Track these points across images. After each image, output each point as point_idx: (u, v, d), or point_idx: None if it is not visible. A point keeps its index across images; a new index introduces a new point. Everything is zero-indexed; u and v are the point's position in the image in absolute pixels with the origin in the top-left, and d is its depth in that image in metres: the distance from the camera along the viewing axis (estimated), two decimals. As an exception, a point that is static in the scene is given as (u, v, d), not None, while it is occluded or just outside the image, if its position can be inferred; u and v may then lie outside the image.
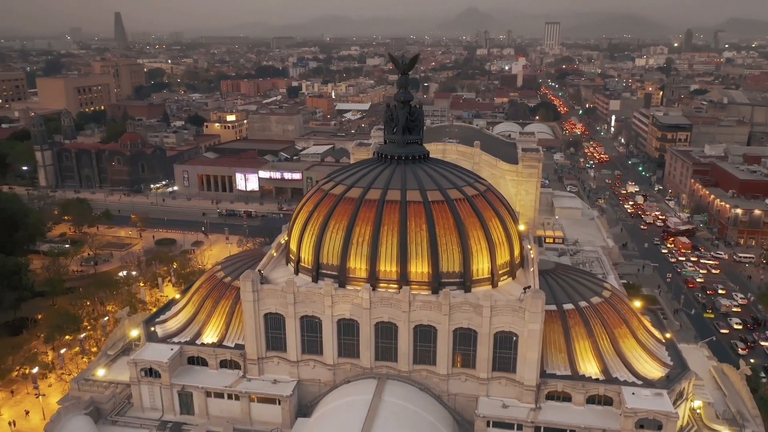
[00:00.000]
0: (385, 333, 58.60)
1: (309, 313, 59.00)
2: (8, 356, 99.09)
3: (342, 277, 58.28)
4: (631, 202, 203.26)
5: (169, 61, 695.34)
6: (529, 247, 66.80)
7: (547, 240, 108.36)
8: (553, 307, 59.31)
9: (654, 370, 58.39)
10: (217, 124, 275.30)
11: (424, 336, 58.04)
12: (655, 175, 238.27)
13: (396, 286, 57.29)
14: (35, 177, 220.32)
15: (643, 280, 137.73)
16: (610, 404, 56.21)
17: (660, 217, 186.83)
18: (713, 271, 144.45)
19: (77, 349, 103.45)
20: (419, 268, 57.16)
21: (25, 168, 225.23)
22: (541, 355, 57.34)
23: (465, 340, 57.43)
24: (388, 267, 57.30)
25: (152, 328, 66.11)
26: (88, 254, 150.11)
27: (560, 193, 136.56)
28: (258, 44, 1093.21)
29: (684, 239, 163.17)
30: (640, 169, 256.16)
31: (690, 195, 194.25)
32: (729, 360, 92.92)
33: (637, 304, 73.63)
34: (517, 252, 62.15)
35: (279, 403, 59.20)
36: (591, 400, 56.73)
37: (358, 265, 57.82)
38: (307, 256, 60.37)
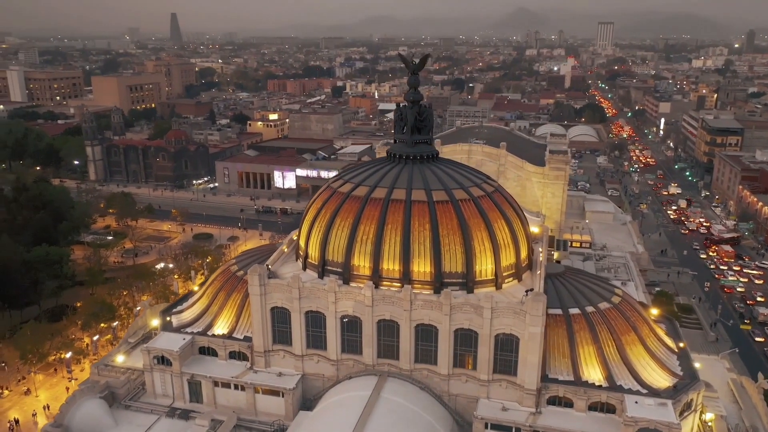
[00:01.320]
0: (387, 331, 59.11)
1: (313, 308, 60.07)
2: (47, 341, 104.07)
3: (346, 274, 59.08)
4: (674, 207, 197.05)
5: (220, 61, 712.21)
6: (540, 250, 66.04)
7: (574, 244, 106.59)
8: (559, 311, 58.54)
9: (661, 380, 56.89)
10: (259, 123, 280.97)
11: (426, 335, 58.27)
12: (703, 181, 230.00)
13: (399, 284, 57.71)
14: (86, 171, 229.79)
15: (680, 288, 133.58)
16: (613, 412, 55.10)
17: (704, 223, 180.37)
18: (756, 281, 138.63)
19: (109, 336, 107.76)
20: (422, 267, 57.41)
21: (76, 162, 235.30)
22: (543, 359, 56.81)
23: (466, 340, 57.36)
24: (391, 265, 57.77)
25: (168, 318, 68.57)
26: (129, 246, 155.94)
27: (592, 197, 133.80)
28: (307, 44, 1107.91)
29: (727, 247, 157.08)
30: (687, 174, 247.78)
31: (737, 202, 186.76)
32: (764, 370, 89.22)
33: (654, 311, 71.49)
34: (524, 254, 61.57)
35: (282, 396, 60.48)
36: (593, 407, 55.74)
37: (362, 263, 58.50)
38: (314, 252, 61.46)
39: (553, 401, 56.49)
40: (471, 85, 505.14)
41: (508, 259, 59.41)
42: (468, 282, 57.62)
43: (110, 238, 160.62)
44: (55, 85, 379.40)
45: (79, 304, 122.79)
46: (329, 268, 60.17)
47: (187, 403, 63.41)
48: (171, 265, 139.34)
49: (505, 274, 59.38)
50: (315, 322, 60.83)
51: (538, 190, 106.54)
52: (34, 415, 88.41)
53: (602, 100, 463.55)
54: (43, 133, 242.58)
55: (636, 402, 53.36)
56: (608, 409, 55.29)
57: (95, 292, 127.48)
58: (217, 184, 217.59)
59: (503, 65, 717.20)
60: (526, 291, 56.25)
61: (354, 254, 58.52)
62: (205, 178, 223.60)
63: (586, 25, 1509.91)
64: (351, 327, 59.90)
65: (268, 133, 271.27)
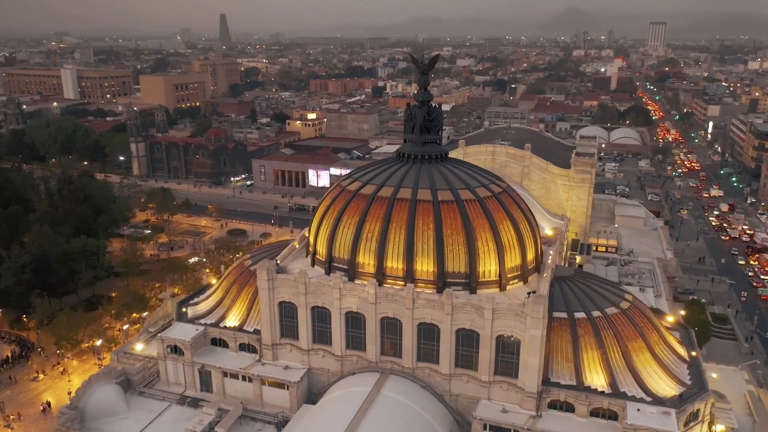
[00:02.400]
0: (391, 328, 59.66)
1: (319, 303, 61.14)
2: (81, 329, 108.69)
3: (351, 271, 59.90)
4: (715, 212, 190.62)
5: (264, 61, 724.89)
6: (551, 252, 65.40)
7: (599, 248, 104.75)
8: (564, 315, 57.93)
9: (667, 388, 55.62)
10: (298, 122, 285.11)
11: (428, 334, 58.55)
12: (749, 187, 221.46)
13: (402, 282, 58.18)
14: (130, 167, 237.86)
15: (716, 297, 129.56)
16: (615, 419, 54.19)
17: (747, 231, 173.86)
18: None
19: (138, 326, 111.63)
20: (425, 266, 57.71)
21: (121, 158, 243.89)
22: (546, 363, 56.37)
23: (467, 341, 57.39)
24: (394, 264, 58.29)
25: (184, 309, 70.83)
26: (164, 240, 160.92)
27: (623, 201, 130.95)
28: (352, 44, 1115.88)
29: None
30: (733, 179, 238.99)
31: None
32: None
33: (670, 318, 69.71)
34: (531, 256, 61.09)
35: (287, 389, 61.73)
36: (595, 413, 54.94)
37: (366, 261, 59.20)
38: (322, 249, 62.50)
39: (555, 405, 55.93)
40: (513, 86, 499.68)
41: (513, 260, 59.09)
42: (471, 282, 57.61)
43: (148, 231, 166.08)
44: (106, 84, 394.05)
45: (114, 295, 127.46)
46: (336, 264, 61.11)
47: (197, 392, 65.44)
48: (204, 260, 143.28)
49: (509, 275, 59.08)
50: (321, 317, 61.91)
51: (563, 192, 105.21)
52: (69, 393, 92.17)
53: (649, 102, 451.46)
54: (91, 130, 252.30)
55: (638, 409, 52.37)
56: (610, 415, 54.41)
57: (130, 283, 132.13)
58: (253, 182, 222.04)
59: (548, 66, 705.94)
60: (528, 293, 55.87)
61: (359, 252, 59.27)
62: (243, 176, 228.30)
63: (637, 26, 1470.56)
64: (355, 323, 60.71)
65: (305, 132, 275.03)
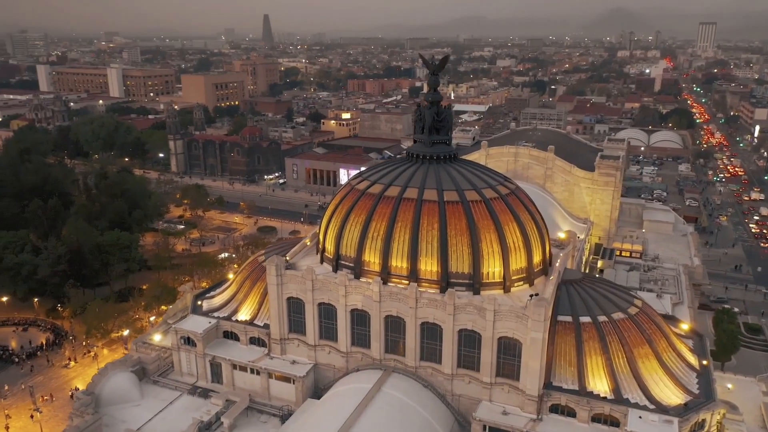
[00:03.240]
0: (395, 327, 60.15)
1: (325, 300, 62.09)
2: (111, 319, 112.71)
3: (357, 269, 60.61)
4: (756, 217, 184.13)
5: (304, 61, 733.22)
6: (561, 255, 64.76)
7: (624, 253, 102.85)
8: (569, 319, 57.37)
9: (673, 396, 54.49)
10: (332, 122, 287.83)
11: (431, 333, 58.82)
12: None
13: (406, 281, 58.57)
14: (168, 163, 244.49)
15: (750, 307, 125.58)
16: (616, 425, 53.42)
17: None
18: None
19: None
20: (429, 266, 57.98)
21: (161, 155, 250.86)
22: (548, 366, 55.98)
23: (470, 341, 57.42)
24: (399, 263, 58.73)
25: (199, 302, 72.86)
26: (196, 235, 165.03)
27: (652, 206, 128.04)
28: (392, 45, 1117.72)
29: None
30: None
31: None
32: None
33: (684, 326, 68.09)
34: (537, 259, 60.64)
35: (293, 383, 62.90)
36: (597, 418, 54.27)
37: (372, 259, 59.82)
38: (330, 246, 63.43)
39: (556, 409, 55.46)
40: (553, 87, 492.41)
41: (518, 262, 58.79)
42: (474, 283, 57.60)
43: (181, 227, 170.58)
44: (149, 83, 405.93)
45: (144, 287, 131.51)
46: (342, 262, 61.93)
47: (208, 383, 67.28)
48: (233, 255, 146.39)
49: (514, 277, 58.81)
50: (327, 314, 62.84)
51: (586, 195, 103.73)
52: None
53: (694, 105, 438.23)
54: (133, 127, 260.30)
55: (639, 417, 51.53)
56: (612, 422, 53.67)
57: (161, 276, 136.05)
58: (286, 180, 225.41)
59: (591, 67, 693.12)
60: (531, 295, 55.56)
61: (365, 250, 59.94)
62: (276, 174, 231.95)
63: (687, 26, 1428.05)
64: (360, 321, 61.43)
65: (339, 131, 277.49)
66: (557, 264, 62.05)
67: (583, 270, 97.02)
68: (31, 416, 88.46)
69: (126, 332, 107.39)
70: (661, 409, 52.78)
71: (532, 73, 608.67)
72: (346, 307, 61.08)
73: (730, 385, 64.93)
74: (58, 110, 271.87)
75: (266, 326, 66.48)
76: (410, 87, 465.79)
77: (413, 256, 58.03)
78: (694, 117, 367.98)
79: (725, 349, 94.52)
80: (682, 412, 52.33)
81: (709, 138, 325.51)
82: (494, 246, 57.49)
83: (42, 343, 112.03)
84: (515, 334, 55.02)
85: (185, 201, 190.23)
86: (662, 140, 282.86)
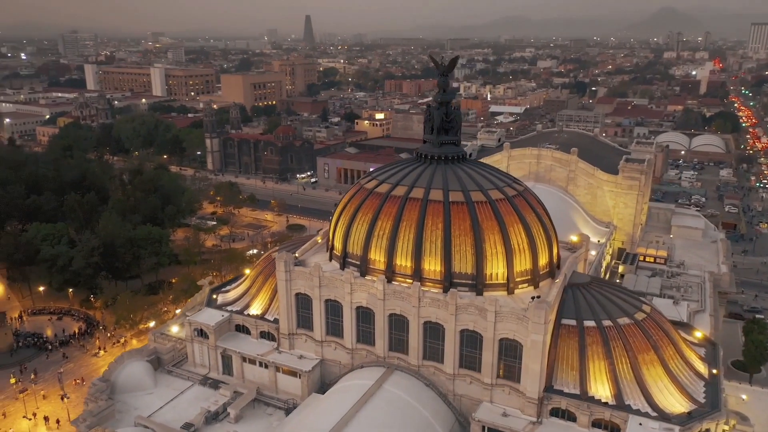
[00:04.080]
0: (398, 325, 60.71)
1: (332, 297, 63.09)
2: (140, 311, 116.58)
3: (363, 267, 61.39)
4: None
5: (342, 61, 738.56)
6: (570, 258, 64.18)
7: (647, 259, 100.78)
8: (573, 322, 56.87)
9: (677, 404, 53.46)
10: (366, 122, 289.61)
11: (433, 333, 59.16)
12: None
13: (410, 280, 59.04)
14: (204, 161, 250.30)
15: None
16: (617, 431, 52.74)
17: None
18: None
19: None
20: (432, 266, 58.31)
21: (198, 153, 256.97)
22: (550, 369, 55.69)
23: (471, 342, 57.53)
24: (403, 262, 59.25)
25: (214, 296, 74.88)
26: (226, 232, 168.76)
27: (682, 211, 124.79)
28: (433, 45, 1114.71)
29: None
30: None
31: None
32: None
33: (698, 334, 66.48)
34: (543, 261, 60.25)
35: (299, 377, 64.11)
36: (597, 423, 53.68)
37: (377, 257, 60.49)
38: (338, 244, 64.38)
39: (556, 413, 55.08)
40: (594, 88, 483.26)
41: (522, 264, 58.56)
42: (477, 284, 57.65)
43: (212, 223, 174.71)
44: (191, 82, 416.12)
45: (174, 281, 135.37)
46: (349, 260, 62.79)
47: (220, 375, 69.12)
48: (262, 252, 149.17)
49: (518, 279, 58.59)
50: (334, 310, 63.83)
51: (609, 199, 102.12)
52: None
53: (742, 108, 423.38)
54: (172, 125, 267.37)
55: (640, 424, 50.83)
56: (612, 427, 53.01)
57: (190, 270, 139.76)
58: (317, 179, 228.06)
59: (635, 69, 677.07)
60: (532, 297, 55.32)
61: (371, 248, 60.65)
62: (308, 173, 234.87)
63: (738, 27, 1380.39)
64: (365, 318, 62.19)
65: (373, 131, 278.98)
66: (564, 267, 61.48)
67: (603, 275, 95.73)
68: (62, 398, 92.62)
69: (152, 323, 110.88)
70: (663, 416, 51.88)
71: (573, 74, 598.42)
72: (351, 304, 61.94)
73: (744, 396, 63.27)
74: (101, 108, 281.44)
75: (276, 321, 67.87)
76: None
77: (417, 256, 58.46)
78: (740, 120, 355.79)
79: (754, 360, 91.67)
80: (684, 420, 51.33)
81: (754, 142, 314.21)
82: (498, 247, 57.44)
83: (75, 331, 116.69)
84: (516, 336, 54.90)
85: (218, 198, 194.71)
86: (704, 144, 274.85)
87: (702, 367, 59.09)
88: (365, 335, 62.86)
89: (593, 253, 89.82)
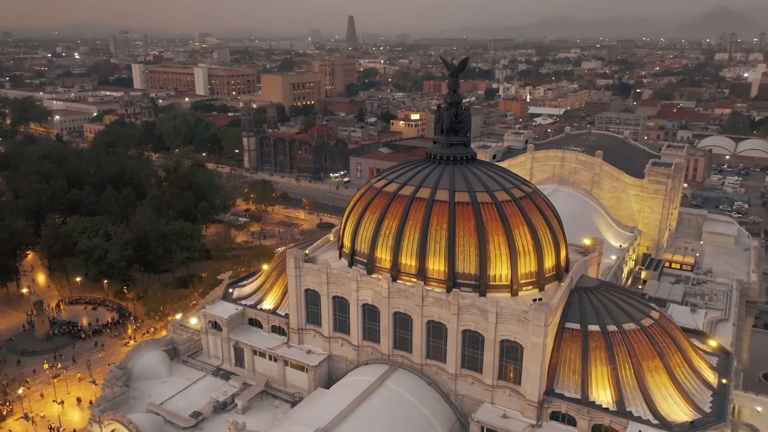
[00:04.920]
0: (403, 323, 61.24)
1: (339, 294, 64.11)
2: (170, 304, 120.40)
3: (370, 265, 62.16)
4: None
5: (382, 62, 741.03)
6: (578, 262, 63.53)
7: (673, 265, 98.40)
8: (577, 326, 56.35)
9: (680, 413, 52.37)
10: (401, 122, 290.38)
11: (436, 332, 59.48)
12: None
13: (415, 279, 59.52)
14: (241, 159, 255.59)
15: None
16: (617, 438, 52.05)
17: None
18: None
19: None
20: (436, 265, 58.64)
21: (236, 151, 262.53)
22: (552, 373, 55.36)
23: (473, 342, 57.62)
24: (408, 261, 59.74)
25: (231, 290, 76.95)
26: (256, 229, 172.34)
27: (715, 217, 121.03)
28: (476, 46, 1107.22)
29: None
30: None
31: None
32: None
33: (713, 343, 64.76)
34: (549, 264, 59.81)
35: (306, 371, 65.38)
36: (597, 429, 53.04)
37: (383, 256, 61.19)
38: (347, 242, 65.35)
39: (557, 417, 54.69)
40: (639, 90, 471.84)
41: (527, 266, 58.29)
42: (481, 285, 57.69)
43: (243, 219, 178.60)
44: (232, 82, 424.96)
45: (204, 275, 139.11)
46: (357, 258, 63.67)
47: (232, 366, 71.04)
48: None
49: (522, 281, 58.35)
50: (341, 307, 64.83)
51: (635, 203, 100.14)
52: None
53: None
54: (211, 123, 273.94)
55: (639, 431, 50.00)
56: (613, 434, 52.34)
57: (221, 265, 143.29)
58: (350, 179, 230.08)
59: (684, 70, 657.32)
60: (534, 300, 55.05)
61: (378, 247, 61.35)
62: (342, 172, 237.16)
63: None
64: (371, 316, 62.96)
65: (408, 132, 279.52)
66: (572, 270, 60.92)
67: (625, 280, 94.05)
68: (92, 383, 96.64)
69: (179, 316, 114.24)
70: (664, 425, 50.93)
71: (618, 75, 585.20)
72: (357, 301, 62.81)
73: (760, 408, 61.35)
74: (145, 106, 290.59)
75: (287, 316, 69.32)
76: (486, 89, 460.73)
77: (422, 255, 58.89)
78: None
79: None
80: (686, 429, 50.31)
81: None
82: (502, 248, 57.35)
83: (108, 321, 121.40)
84: (517, 338, 54.78)
85: (252, 195, 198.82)
86: (750, 149, 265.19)
87: (711, 377, 57.67)
88: (371, 332, 63.65)
89: (613, 257, 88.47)
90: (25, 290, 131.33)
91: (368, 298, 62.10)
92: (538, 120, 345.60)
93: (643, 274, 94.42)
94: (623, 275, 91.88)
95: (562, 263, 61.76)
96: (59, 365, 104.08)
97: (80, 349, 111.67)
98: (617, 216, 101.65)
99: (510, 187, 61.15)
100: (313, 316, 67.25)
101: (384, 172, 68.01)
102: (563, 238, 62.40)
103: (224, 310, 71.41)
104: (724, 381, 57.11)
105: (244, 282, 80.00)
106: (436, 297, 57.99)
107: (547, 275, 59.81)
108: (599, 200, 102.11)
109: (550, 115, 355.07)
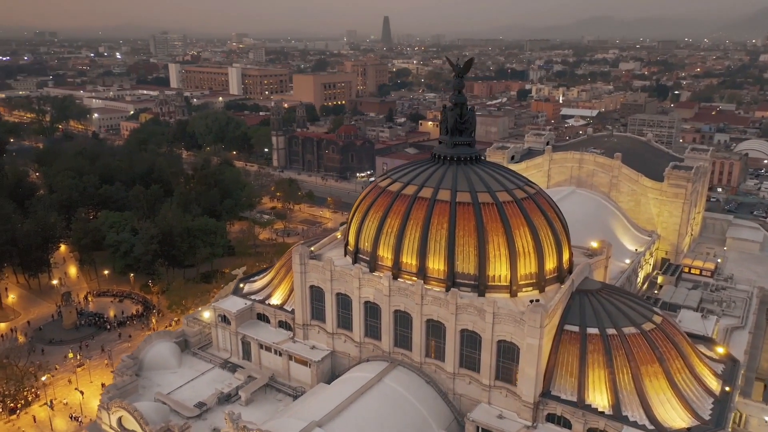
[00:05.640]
0: (403, 322, 61.78)
1: (342, 291, 65.00)
2: (192, 298, 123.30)
3: (372, 263, 62.87)
4: None
5: (414, 62, 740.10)
6: (580, 264, 63.04)
7: (693, 271, 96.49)
8: (576, 329, 56.02)
9: (678, 420, 51.61)
10: (430, 122, 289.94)
11: (435, 331, 59.84)
12: None
13: (415, 278, 59.99)
14: (270, 158, 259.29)
15: None
16: (612, 442, 51.58)
17: None
18: None
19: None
20: (436, 264, 59.00)
21: (266, 150, 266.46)
22: (549, 375, 55.19)
23: (471, 342, 57.79)
24: (409, 259, 60.24)
25: (241, 285, 78.66)
26: (280, 226, 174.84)
27: (741, 222, 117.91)
28: (511, 47, 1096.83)
29: None
30: None
31: None
32: None
33: (720, 350, 63.35)
34: (550, 265, 59.52)
35: (309, 366, 66.47)
36: (592, 432, 52.70)
37: (385, 254, 61.81)
38: (352, 240, 66.19)
39: (552, 419, 54.47)
40: (677, 92, 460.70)
41: (527, 267, 58.15)
42: (480, 285, 57.82)
43: (267, 217, 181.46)
44: (265, 81, 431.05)
45: (226, 271, 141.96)
46: (360, 255, 64.45)
47: (240, 359, 72.63)
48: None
49: (522, 282, 58.24)
50: (344, 304, 65.69)
51: (654, 207, 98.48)
52: None
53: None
54: (242, 122, 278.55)
55: (633, 436, 49.54)
56: (607, 438, 51.86)
57: (244, 261, 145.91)
58: (375, 178, 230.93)
59: (726, 72, 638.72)
60: (531, 301, 54.93)
61: (380, 245, 61.99)
62: (368, 172, 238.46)
63: None
64: (373, 313, 63.65)
65: (436, 132, 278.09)
66: (573, 273, 60.51)
67: (641, 285, 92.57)
68: (114, 372, 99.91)
69: (199, 309, 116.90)
70: (659, 430, 50.28)
71: (656, 77, 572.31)
72: (360, 298, 63.59)
73: (767, 418, 59.89)
74: (179, 105, 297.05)
75: (293, 312, 70.51)
76: (519, 89, 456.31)
77: (422, 254, 59.32)
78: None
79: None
80: (681, 436, 49.60)
81: None
82: (501, 249, 57.38)
83: (132, 313, 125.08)
84: (513, 339, 54.76)
85: (278, 194, 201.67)
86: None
87: (714, 384, 56.57)
88: (372, 330, 64.35)
89: (627, 261, 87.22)
90: (55, 282, 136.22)
91: (370, 296, 62.82)
92: (570, 122, 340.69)
93: (660, 279, 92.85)
94: (638, 279, 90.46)
95: (565, 265, 61.39)
96: (101, 350, 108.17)
97: (105, 339, 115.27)
98: (636, 220, 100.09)
99: (512, 188, 61.07)
100: (317, 313, 68.32)
101: (389, 171, 68.62)
102: (566, 240, 62.03)
103: (233, 305, 73.08)
104: (727, 389, 55.97)
105: (255, 278, 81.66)
106: (435, 296, 58.37)
107: (548, 277, 59.57)
108: (617, 203, 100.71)
109: (583, 117, 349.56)
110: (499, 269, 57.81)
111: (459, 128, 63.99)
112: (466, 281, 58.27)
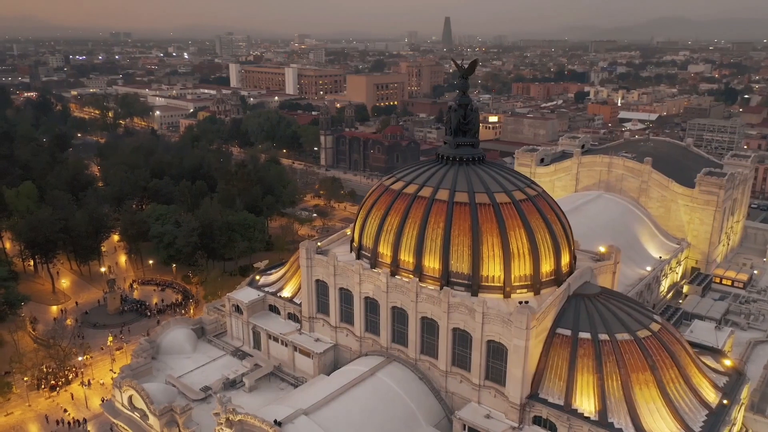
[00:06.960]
0: (400, 318, 62.87)
1: (344, 286, 66.69)
2: (227, 290, 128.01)
3: (373, 260, 64.24)
4: None
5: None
6: (579, 268, 62.27)
7: (725, 281, 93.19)
8: (568, 333, 55.56)
9: (666, 430, 50.44)
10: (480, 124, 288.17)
11: (429, 329, 60.61)
12: None
13: (412, 276, 60.96)
14: (318, 156, 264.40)
15: None
16: (596, 448, 50.97)
17: None
18: None
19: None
20: (432, 263, 59.74)
21: (315, 148, 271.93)
22: (539, 377, 55.04)
23: (462, 341, 58.26)
24: (407, 257, 61.24)
25: (257, 277, 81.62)
26: (318, 224, 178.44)
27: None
28: (575, 48, 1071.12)
29: None
30: None
31: None
32: None
33: (727, 362, 61.10)
34: (547, 268, 59.14)
35: (312, 358, 68.51)
36: (577, 437, 52.17)
37: (385, 251, 63.02)
38: (356, 236, 67.81)
39: (539, 421, 54.27)
40: (747, 96, 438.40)
41: (521, 269, 58.05)
42: (473, 285, 58.20)
43: (306, 213, 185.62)
44: (320, 81, 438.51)
45: (255, 265, 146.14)
46: (363, 252, 65.92)
47: (251, 348, 75.53)
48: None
49: (516, 284, 58.18)
50: (346, 299, 67.36)
51: (684, 214, 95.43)
52: None
53: None
54: (293, 121, 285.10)
55: (616, 443, 48.86)
56: (592, 444, 51.27)
57: (281, 256, 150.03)
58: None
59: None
60: (519, 302, 54.89)
61: (381, 242, 63.29)
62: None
63: None
64: (372, 309, 65.02)
65: (484, 134, 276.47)
66: (571, 276, 59.90)
67: (665, 293, 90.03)
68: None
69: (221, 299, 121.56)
70: (644, 439, 49.38)
71: (727, 80, 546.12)
72: (360, 294, 65.09)
73: (773, 435, 57.59)
74: (234, 104, 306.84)
75: (301, 304, 72.78)
76: (577, 92, 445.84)
77: (419, 252, 60.22)
78: None
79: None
80: (666, 446, 48.51)
81: None
82: (496, 250, 57.55)
83: (173, 302, 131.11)
84: (501, 339, 54.91)
85: (321, 192, 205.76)
86: None
87: (712, 396, 54.81)
88: (372, 325, 65.71)
89: (648, 268, 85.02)
90: (104, 269, 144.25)
91: (370, 292, 64.23)
92: (628, 125, 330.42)
93: (685, 288, 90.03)
94: (662, 288, 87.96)
95: (564, 269, 60.85)
96: (121, 339, 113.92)
97: (145, 326, 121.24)
98: (665, 226, 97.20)
99: (512, 189, 61.05)
100: (322, 306, 70.29)
101: (395, 171, 69.80)
102: (567, 244, 61.46)
103: (246, 295, 76.07)
104: (725, 401, 54.16)
105: (272, 271, 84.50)
106: (429, 294, 59.18)
107: (544, 279, 59.26)
108: (646, 209, 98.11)
109: (642, 121, 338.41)
110: (492, 270, 58.02)
111: (462, 129, 64.51)
112: (460, 281, 58.78)
